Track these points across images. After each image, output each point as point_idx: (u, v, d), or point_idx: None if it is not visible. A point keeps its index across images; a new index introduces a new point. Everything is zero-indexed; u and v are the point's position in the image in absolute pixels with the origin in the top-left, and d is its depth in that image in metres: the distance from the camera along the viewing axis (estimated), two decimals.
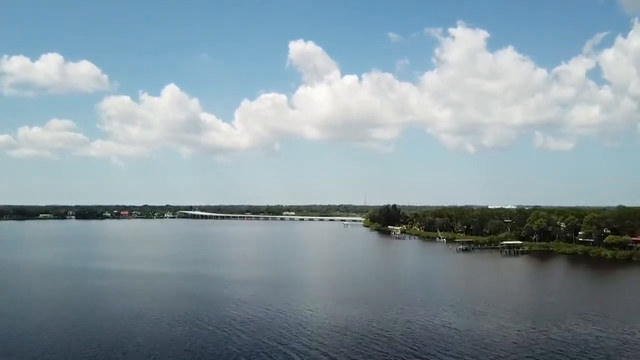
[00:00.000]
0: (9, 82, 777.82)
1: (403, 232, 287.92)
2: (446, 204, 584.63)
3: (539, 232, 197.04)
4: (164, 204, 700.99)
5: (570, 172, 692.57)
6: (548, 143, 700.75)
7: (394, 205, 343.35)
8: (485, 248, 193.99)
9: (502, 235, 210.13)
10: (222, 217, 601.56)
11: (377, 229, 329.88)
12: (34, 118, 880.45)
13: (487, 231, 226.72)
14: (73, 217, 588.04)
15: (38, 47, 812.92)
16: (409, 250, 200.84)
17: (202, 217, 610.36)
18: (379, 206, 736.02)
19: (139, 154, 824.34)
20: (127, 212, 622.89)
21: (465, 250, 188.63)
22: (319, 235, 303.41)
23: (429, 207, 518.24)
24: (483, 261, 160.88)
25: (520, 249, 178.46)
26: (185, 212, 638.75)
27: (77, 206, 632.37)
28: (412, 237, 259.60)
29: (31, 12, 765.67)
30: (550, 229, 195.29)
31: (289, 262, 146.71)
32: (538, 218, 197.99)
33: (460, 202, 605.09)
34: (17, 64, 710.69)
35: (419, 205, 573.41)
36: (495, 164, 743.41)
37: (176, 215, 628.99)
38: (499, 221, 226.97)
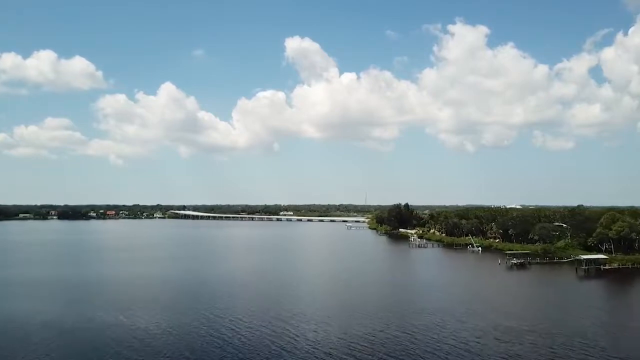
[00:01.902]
0: (2, 80, 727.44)
1: (421, 236, 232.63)
2: (448, 204, 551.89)
3: (614, 241, 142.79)
4: (156, 204, 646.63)
5: (571, 171, 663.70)
6: (548, 142, 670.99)
7: (407, 205, 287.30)
8: (546, 263, 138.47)
9: (560, 243, 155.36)
10: (215, 218, 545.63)
11: (386, 233, 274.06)
12: (30, 116, 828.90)
13: (535, 237, 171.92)
14: (55, 217, 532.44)
15: (30, 44, 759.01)
16: (442, 265, 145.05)
17: (194, 217, 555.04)
18: (380, 206, 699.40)
19: (137, 153, 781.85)
20: (113, 212, 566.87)
21: (521, 265, 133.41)
22: (320, 241, 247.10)
23: (431, 206, 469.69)
24: (569, 286, 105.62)
25: (607, 266, 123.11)
26: (176, 212, 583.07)
27: (65, 205, 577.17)
28: (434, 244, 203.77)
29: (22, 9, 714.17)
30: (633, 237, 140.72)
31: (283, 301, 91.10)
32: (615, 221, 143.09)
33: (461, 201, 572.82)
34: (9, 61, 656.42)
35: (420, 204, 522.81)
36: (497, 163, 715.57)
37: (166, 216, 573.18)
38: (550, 224, 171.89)
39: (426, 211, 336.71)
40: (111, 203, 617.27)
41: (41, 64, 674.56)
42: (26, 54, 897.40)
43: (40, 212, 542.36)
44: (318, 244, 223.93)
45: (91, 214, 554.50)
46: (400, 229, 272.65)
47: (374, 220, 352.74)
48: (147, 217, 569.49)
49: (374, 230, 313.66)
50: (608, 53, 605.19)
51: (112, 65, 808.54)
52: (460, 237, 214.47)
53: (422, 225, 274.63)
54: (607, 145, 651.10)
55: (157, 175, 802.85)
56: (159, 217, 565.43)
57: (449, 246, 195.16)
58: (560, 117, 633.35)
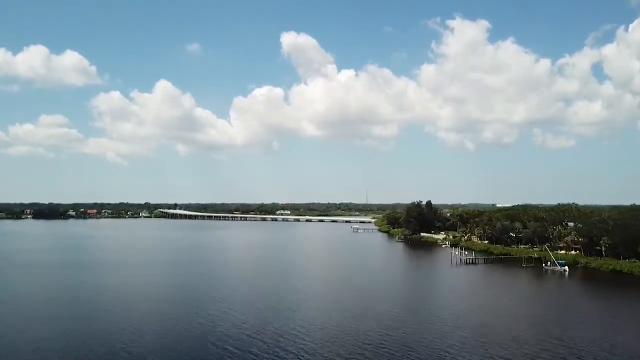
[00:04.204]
0: None
1: (455, 244, 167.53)
2: (449, 202, 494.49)
3: None
4: (144, 202, 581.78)
5: (571, 170, 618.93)
6: (549, 140, 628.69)
7: (429, 203, 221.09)
8: None
9: None
10: (203, 217, 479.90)
11: (405, 237, 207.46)
12: (24, 114, 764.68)
13: None
14: (30, 216, 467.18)
15: (20, 39, 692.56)
16: (549, 310, 78.77)
17: (183, 216, 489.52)
18: (382, 205, 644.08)
19: (135, 151, 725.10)
20: (95, 211, 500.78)
21: None
22: (324, 253, 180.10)
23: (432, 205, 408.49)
24: None
25: None
26: (164, 211, 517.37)
27: (49, 204, 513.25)
28: (485, 258, 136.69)
29: (11, 4, 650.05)
30: None
31: None
32: None
33: (462, 200, 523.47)
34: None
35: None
36: (497, 161, 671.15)
37: (152, 215, 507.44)
38: None
39: None
40: (110, 201, 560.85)
41: (32, 59, 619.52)
42: (16, 50, 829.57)
43: (14, 211, 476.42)
44: (322, 258, 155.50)
45: (70, 212, 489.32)
46: (421, 233, 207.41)
47: (384, 221, 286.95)
48: (132, 216, 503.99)
49: (386, 234, 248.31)
50: (609, 49, 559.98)
51: (106, 61, 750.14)
52: (510, 246, 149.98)
53: (449, 229, 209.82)
54: (608, 143, 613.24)
55: (154, 174, 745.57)
56: (144, 217, 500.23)
57: (506, 261, 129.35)
58: (562, 114, 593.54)
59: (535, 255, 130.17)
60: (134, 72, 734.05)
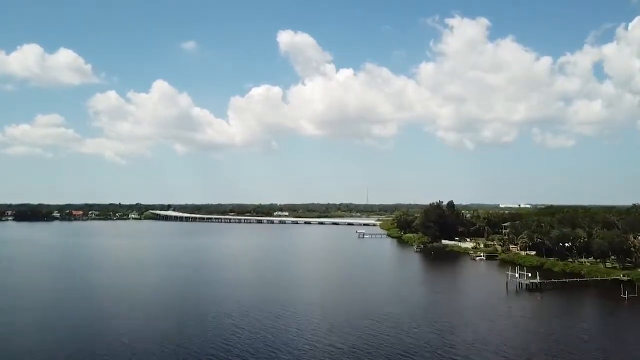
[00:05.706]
0: None
1: (492, 255, 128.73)
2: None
3: None
4: (135, 202, 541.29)
5: (572, 169, 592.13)
6: (548, 140, 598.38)
7: (451, 204, 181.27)
8: None
9: None
10: (195, 219, 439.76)
11: (424, 246, 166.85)
12: (20, 114, 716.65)
13: None
14: (11, 218, 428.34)
15: (14, 38, 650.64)
16: None
17: (175, 218, 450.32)
18: (383, 205, 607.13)
19: (132, 151, 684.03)
20: (80, 213, 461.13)
21: None
22: (328, 272, 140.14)
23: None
24: None
25: None
26: (155, 212, 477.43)
27: (38, 204, 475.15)
28: (545, 282, 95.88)
29: (5, 4, 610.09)
30: None
31: None
32: None
33: (463, 200, 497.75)
34: None
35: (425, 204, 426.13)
36: (496, 161, 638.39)
37: (142, 217, 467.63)
38: None
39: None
40: (110, 202, 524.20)
41: (27, 58, 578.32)
42: (10, 49, 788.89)
43: None
44: (328, 282, 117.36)
45: (55, 214, 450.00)
46: (442, 241, 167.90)
47: (393, 225, 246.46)
48: (120, 217, 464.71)
49: (396, 240, 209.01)
50: (609, 48, 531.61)
51: (102, 60, 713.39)
52: (570, 261, 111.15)
53: (474, 235, 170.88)
54: (608, 143, 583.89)
55: (153, 173, 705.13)
56: (133, 218, 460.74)
57: (583, 285, 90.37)
58: (562, 114, 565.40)
59: (622, 277, 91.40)
60: (130, 71, 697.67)
